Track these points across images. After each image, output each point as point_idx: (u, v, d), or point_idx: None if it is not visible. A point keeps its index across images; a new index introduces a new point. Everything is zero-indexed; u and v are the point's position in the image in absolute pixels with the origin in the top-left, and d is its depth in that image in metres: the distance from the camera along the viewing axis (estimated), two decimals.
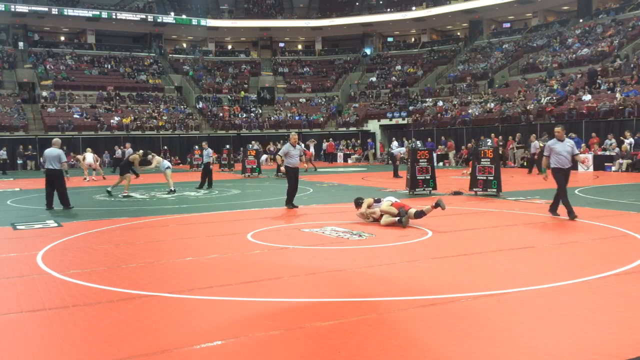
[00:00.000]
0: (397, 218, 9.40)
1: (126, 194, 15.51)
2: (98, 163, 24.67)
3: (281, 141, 34.35)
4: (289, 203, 12.26)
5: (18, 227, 10.14)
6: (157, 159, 16.94)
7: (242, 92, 47.58)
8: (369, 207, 10.02)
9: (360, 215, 10.16)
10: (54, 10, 45.34)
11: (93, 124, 38.05)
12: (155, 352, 3.97)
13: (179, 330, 4.41)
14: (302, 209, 12.11)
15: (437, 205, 9.35)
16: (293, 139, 12.54)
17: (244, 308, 5.03)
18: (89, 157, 23.60)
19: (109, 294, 5.51)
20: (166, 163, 17.33)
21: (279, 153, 12.92)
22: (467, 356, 3.83)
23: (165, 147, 36.45)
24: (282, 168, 12.49)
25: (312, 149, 33.94)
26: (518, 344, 4.02)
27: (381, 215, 9.71)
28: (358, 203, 10.34)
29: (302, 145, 29.25)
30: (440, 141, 33.95)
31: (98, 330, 4.43)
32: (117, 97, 42.34)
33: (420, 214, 9.46)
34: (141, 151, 16.93)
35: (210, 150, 18.83)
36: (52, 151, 12.74)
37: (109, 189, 15.71)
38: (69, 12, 45.94)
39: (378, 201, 10.00)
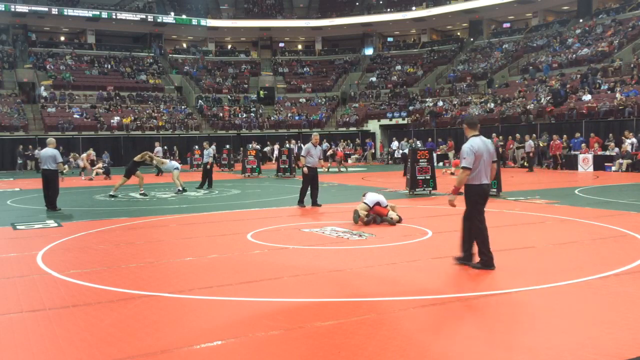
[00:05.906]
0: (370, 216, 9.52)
1: (142, 192, 15.88)
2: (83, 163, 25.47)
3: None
4: (300, 202, 12.42)
5: (18, 227, 10.13)
6: (157, 160, 17.22)
7: (252, 93, 47.58)
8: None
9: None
10: (54, 10, 45.26)
11: (93, 124, 38.01)
12: (155, 352, 3.97)
13: (179, 330, 4.41)
14: (302, 209, 12.10)
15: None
16: (315, 139, 12.71)
17: (244, 308, 5.03)
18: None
19: (109, 294, 5.51)
20: (175, 164, 17.46)
21: (301, 153, 13.03)
22: (467, 356, 3.83)
23: (165, 147, 36.42)
24: (305, 169, 12.31)
25: (340, 150, 33.56)
26: (518, 344, 4.02)
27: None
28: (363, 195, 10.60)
29: (330, 145, 33.60)
30: (439, 142, 33.97)
31: (98, 330, 4.43)
32: (117, 97, 42.27)
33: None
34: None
35: (210, 150, 18.83)
36: (47, 151, 12.68)
37: (111, 192, 15.68)
38: (69, 12, 45.85)
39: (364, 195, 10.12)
